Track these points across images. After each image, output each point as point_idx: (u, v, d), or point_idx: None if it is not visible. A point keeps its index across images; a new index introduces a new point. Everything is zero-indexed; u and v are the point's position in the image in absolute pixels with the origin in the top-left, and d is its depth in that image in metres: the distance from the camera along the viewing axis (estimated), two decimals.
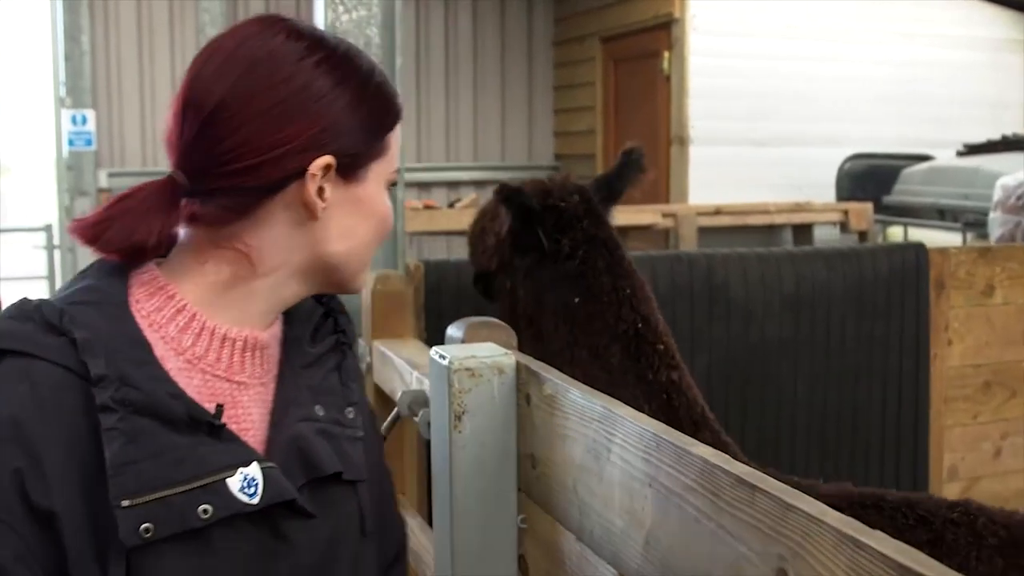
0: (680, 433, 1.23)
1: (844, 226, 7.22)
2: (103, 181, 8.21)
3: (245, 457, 1.27)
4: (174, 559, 1.21)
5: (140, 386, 1.21)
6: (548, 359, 2.25)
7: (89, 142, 7.97)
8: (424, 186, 8.71)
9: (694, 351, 3.31)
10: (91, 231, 1.30)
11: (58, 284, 8.15)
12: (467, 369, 1.67)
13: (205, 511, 1.21)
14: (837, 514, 0.98)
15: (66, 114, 7.92)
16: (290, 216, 1.34)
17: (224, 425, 1.28)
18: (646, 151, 2.77)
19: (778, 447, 3.49)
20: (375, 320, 2.57)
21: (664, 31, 7.42)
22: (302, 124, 1.31)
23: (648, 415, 2.28)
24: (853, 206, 7.16)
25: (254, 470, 1.27)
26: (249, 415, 1.34)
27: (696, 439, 2.33)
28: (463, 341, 1.85)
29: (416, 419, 1.95)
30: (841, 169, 7.57)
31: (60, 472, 1.17)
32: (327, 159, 1.32)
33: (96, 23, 8.18)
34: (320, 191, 1.33)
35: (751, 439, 3.42)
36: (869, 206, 7.20)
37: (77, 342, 1.20)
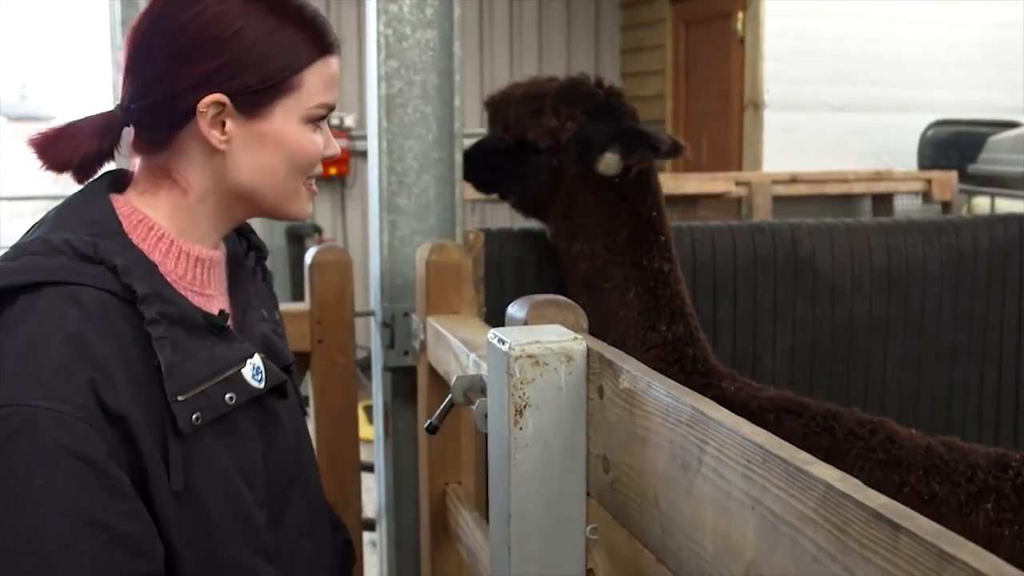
0: (795, 449, 1.00)
1: (927, 196, 6.87)
2: None
3: (248, 351, 1.54)
4: (211, 441, 1.45)
5: (172, 301, 1.44)
6: (572, 233, 2.59)
7: None
8: None
9: (776, 329, 3.09)
10: (42, 144, 1.49)
11: None
12: (530, 356, 1.45)
13: (231, 398, 1.47)
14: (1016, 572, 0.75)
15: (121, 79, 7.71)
16: (201, 148, 1.50)
17: (229, 327, 1.54)
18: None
19: None
20: (430, 294, 2.35)
21: None
22: (201, 63, 1.46)
23: (633, 298, 2.54)
24: (936, 175, 6.81)
25: (257, 360, 1.54)
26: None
27: (670, 330, 2.40)
28: (526, 322, 1.62)
29: (473, 408, 1.73)
30: (923, 136, 7.20)
31: (121, 380, 1.35)
32: (216, 96, 1.46)
33: None
34: (221, 126, 1.49)
35: None
36: (953, 175, 6.84)
37: (118, 268, 1.40)
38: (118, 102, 1.51)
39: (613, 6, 9.06)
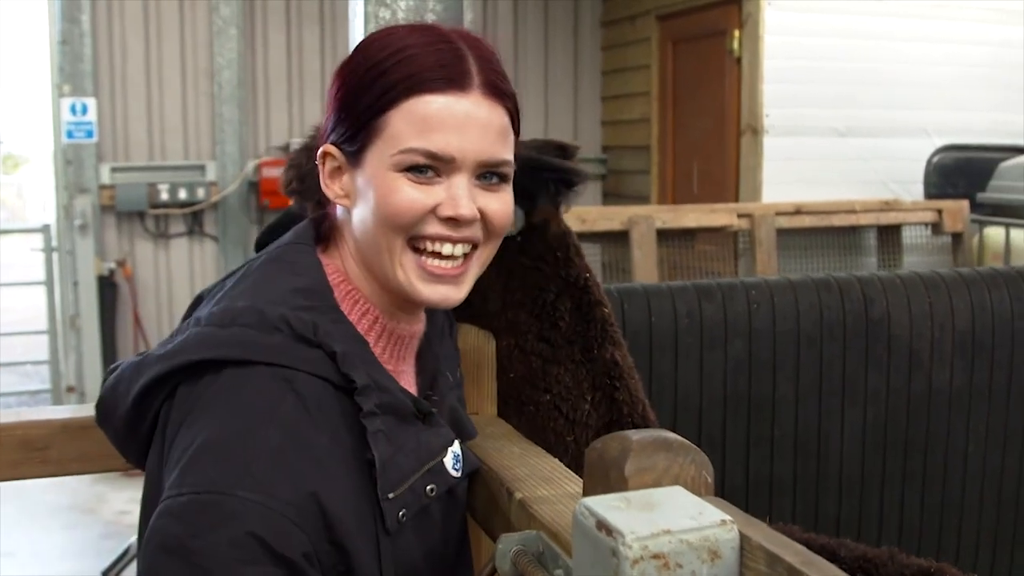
0: None
1: (936, 227, 6.42)
2: (105, 177, 7.34)
3: (450, 438, 1.44)
4: (410, 533, 1.36)
5: (388, 389, 1.35)
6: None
7: (90, 134, 7.16)
8: None
9: (845, 404, 2.59)
10: None
11: (57, 291, 7.40)
12: (656, 556, 0.90)
13: (432, 490, 1.38)
14: None
15: (64, 103, 7.14)
16: (340, 208, 1.44)
17: (434, 412, 1.42)
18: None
19: (942, 522, 2.74)
20: None
21: (734, 7, 6.51)
22: (324, 118, 1.44)
23: (589, 410, 1.81)
24: (947, 205, 6.35)
25: (457, 448, 1.45)
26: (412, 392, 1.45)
27: None
28: (624, 480, 1.06)
29: None
30: (930, 163, 6.73)
31: (338, 476, 1.27)
32: (324, 147, 1.41)
33: (97, 1, 7.39)
34: (339, 179, 1.41)
35: (911, 512, 2.70)
36: (964, 205, 6.39)
37: (337, 356, 1.31)
38: None
39: (594, 24, 8.54)
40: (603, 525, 0.93)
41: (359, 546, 1.27)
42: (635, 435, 1.10)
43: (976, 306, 2.66)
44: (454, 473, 1.42)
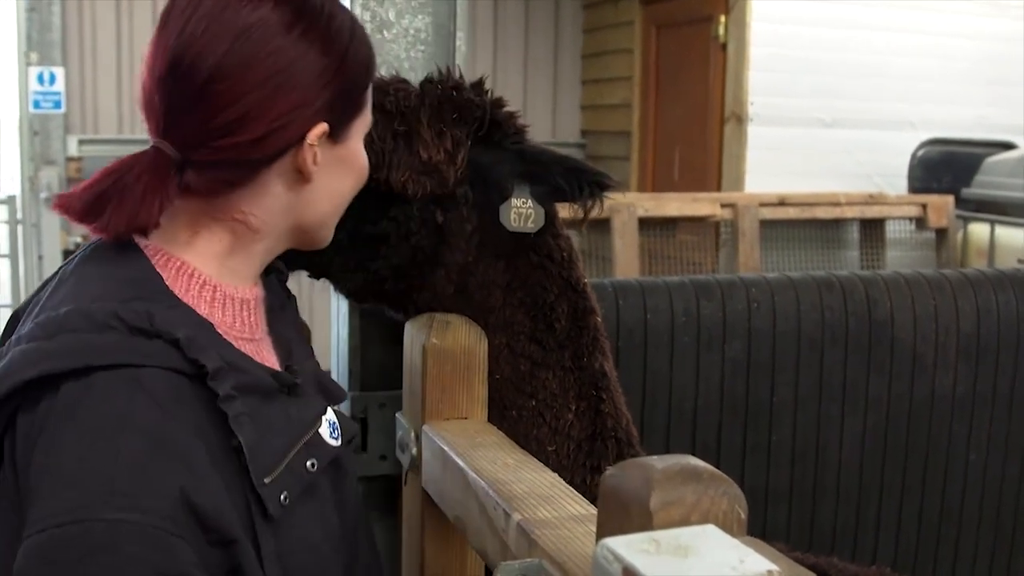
0: None
1: (920, 222, 6.34)
2: (73, 149, 7.17)
3: (321, 406, 1.39)
4: (300, 516, 1.29)
5: (243, 368, 1.26)
6: (479, 317, 1.70)
7: (58, 104, 7.00)
8: None
9: (845, 410, 2.47)
10: (84, 210, 1.26)
11: (22, 264, 7.22)
12: None
13: (312, 464, 1.31)
14: None
15: (32, 72, 6.98)
16: (284, 182, 1.34)
17: (298, 383, 1.35)
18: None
19: (940, 533, 2.63)
20: (427, 392, 1.64)
21: None
22: (298, 95, 1.29)
23: (572, 420, 1.73)
24: (932, 199, 6.27)
25: (331, 415, 1.40)
26: (274, 366, 1.37)
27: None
28: (650, 516, 0.94)
29: None
30: (914, 156, 6.64)
31: (207, 474, 1.17)
32: (323, 127, 1.32)
33: None
34: (314, 157, 1.34)
35: (908, 522, 2.60)
36: (950, 200, 6.32)
37: (181, 342, 1.20)
38: (156, 141, 1.28)
39: (575, 6, 8.40)
40: (631, 573, 0.81)
41: (241, 539, 1.18)
42: (659, 463, 0.97)
43: (982, 309, 2.56)
44: (333, 442, 1.37)
